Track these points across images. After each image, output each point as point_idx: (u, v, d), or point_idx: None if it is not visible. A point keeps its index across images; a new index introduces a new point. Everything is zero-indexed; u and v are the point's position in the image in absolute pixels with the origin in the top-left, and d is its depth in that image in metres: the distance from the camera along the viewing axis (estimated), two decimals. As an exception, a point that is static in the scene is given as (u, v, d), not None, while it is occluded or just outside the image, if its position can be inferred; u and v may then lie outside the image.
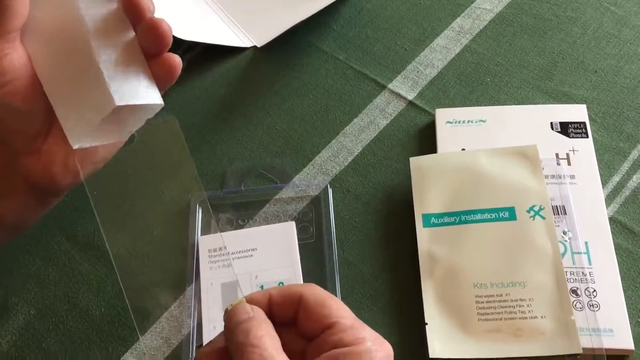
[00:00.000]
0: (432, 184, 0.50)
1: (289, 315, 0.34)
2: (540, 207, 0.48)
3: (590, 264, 0.47)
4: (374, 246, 0.51)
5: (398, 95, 0.59)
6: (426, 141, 0.55)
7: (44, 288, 0.50)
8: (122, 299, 0.49)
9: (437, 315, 0.45)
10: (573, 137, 0.53)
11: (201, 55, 0.63)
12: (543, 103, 0.57)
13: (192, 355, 0.46)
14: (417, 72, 0.60)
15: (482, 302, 0.45)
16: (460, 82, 0.59)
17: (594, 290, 0.45)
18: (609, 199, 0.51)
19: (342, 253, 0.50)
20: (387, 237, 0.51)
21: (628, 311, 0.45)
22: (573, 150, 0.52)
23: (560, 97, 0.57)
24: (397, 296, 0.48)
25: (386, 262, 0.50)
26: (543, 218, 0.47)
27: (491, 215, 0.48)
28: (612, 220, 0.50)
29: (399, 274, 0.49)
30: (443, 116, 0.55)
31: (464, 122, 0.55)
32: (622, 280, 0.46)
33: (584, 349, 0.42)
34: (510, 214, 0.48)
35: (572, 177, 0.51)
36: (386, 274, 0.49)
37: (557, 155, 0.52)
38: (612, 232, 0.48)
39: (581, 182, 0.50)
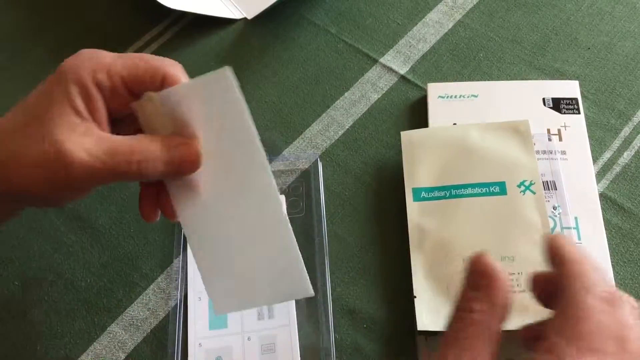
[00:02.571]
0: (422, 158, 0.50)
1: None
2: (530, 182, 0.48)
3: (579, 239, 0.47)
4: (364, 220, 0.50)
5: (390, 69, 0.58)
6: (417, 116, 0.55)
7: (28, 259, 0.50)
8: (108, 270, 0.49)
9: (425, 289, 0.45)
10: (565, 113, 0.52)
11: (190, 27, 0.62)
12: (535, 79, 0.56)
13: (178, 327, 0.46)
14: (410, 46, 0.59)
15: (471, 276, 0.45)
16: (452, 57, 0.58)
17: (583, 265, 0.45)
18: (599, 175, 0.51)
19: (332, 227, 0.50)
20: (377, 211, 0.51)
21: (616, 287, 0.45)
22: (564, 126, 0.52)
23: (552, 73, 0.56)
24: (386, 270, 0.48)
25: (376, 235, 0.50)
26: (533, 193, 0.47)
27: (481, 190, 0.48)
28: (602, 196, 0.50)
29: (388, 247, 0.49)
30: (435, 91, 0.55)
31: (456, 97, 0.54)
32: (611, 255, 0.46)
33: (571, 322, 0.42)
34: (500, 188, 0.47)
35: (563, 152, 0.50)
36: (375, 248, 0.49)
37: (548, 130, 0.51)
38: (602, 208, 0.48)
39: (572, 157, 0.50)
